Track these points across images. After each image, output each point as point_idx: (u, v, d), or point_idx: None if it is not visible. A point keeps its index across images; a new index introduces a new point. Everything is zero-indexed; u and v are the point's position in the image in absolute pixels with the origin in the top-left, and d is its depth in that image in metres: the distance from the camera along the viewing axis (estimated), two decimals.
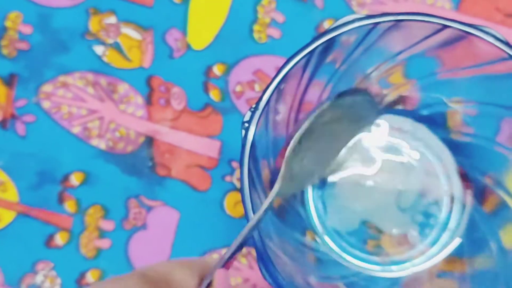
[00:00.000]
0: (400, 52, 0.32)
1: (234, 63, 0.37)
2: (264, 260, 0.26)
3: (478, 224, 0.33)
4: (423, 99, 0.35)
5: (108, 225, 0.35)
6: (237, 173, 0.36)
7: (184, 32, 0.37)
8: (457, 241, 0.33)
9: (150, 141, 0.36)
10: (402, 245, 0.34)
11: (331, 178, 0.35)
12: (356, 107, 0.32)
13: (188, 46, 0.37)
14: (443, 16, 0.28)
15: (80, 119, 0.36)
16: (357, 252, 0.34)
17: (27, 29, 0.37)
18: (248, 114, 0.27)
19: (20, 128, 0.36)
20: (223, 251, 0.35)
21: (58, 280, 0.35)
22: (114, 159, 0.36)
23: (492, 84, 0.31)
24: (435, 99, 0.34)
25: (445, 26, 0.28)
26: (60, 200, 0.36)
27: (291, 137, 0.30)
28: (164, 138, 0.36)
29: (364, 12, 0.37)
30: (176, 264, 0.24)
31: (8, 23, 0.37)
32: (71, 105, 0.36)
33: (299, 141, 0.29)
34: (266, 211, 0.27)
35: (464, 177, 0.34)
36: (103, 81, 0.37)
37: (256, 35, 0.37)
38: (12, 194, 0.36)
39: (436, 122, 0.35)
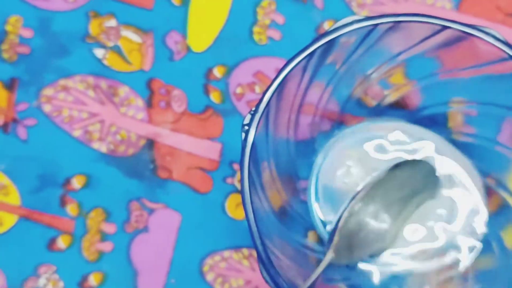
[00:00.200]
0: (400, 53, 0.32)
1: (235, 65, 0.37)
2: (264, 263, 0.26)
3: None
4: (424, 100, 0.35)
5: (110, 228, 0.36)
6: (238, 175, 0.36)
7: (184, 34, 0.37)
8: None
9: (151, 143, 0.36)
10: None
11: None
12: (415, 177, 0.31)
13: (188, 49, 0.37)
14: (443, 16, 0.28)
15: (81, 123, 0.36)
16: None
17: (27, 33, 0.37)
18: (248, 116, 0.27)
19: (21, 132, 0.36)
20: (225, 253, 0.35)
21: (61, 283, 0.35)
22: (115, 162, 0.36)
23: (493, 84, 0.30)
24: (436, 100, 0.34)
25: (445, 27, 0.28)
26: (62, 203, 0.36)
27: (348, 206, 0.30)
28: (165, 141, 0.36)
29: (364, 13, 0.37)
30: None
31: (8, 27, 0.37)
32: (72, 108, 0.37)
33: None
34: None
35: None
36: (103, 84, 0.37)
37: (256, 37, 0.37)
38: (14, 197, 0.36)
39: (437, 122, 0.35)
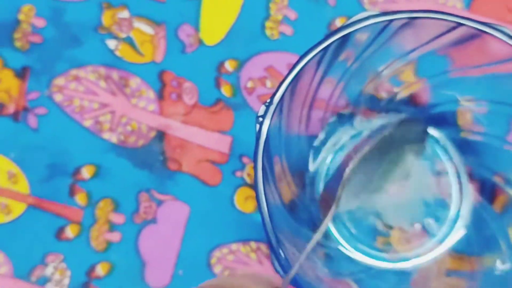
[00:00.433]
0: (412, 51, 0.32)
1: (246, 59, 0.37)
2: (276, 253, 0.26)
3: (487, 223, 0.33)
4: (434, 98, 0.35)
5: (118, 219, 0.36)
6: (247, 169, 0.36)
7: (196, 27, 0.37)
8: (461, 233, 0.34)
9: (161, 135, 0.36)
10: (410, 243, 0.34)
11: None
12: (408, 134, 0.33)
13: (201, 42, 0.37)
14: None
15: (92, 113, 0.37)
16: (366, 249, 0.34)
17: (40, 22, 0.37)
18: (263, 108, 0.27)
19: (32, 120, 0.36)
20: (233, 246, 0.35)
21: (68, 272, 0.35)
22: (125, 153, 0.36)
23: (504, 83, 0.31)
24: (445, 98, 0.34)
25: (459, 24, 0.28)
26: (71, 193, 0.36)
27: (347, 160, 0.31)
28: (176, 133, 0.36)
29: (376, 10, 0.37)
30: (251, 278, 0.25)
31: (21, 16, 0.37)
32: (83, 98, 0.37)
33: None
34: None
35: (472, 175, 0.34)
36: (115, 75, 0.37)
37: (268, 32, 0.37)
38: (23, 186, 0.36)
39: (446, 120, 0.35)
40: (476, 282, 0.33)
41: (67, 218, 0.36)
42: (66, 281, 0.35)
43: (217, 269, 0.35)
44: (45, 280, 0.35)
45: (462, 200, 0.34)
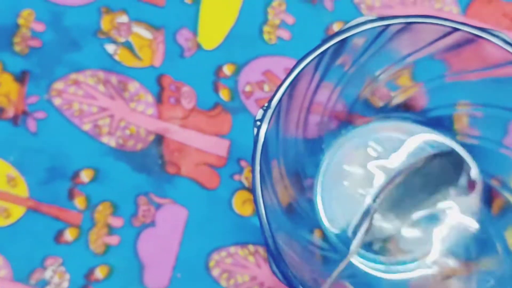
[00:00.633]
0: (408, 55, 0.32)
1: (244, 63, 0.37)
2: (274, 256, 0.27)
3: (484, 226, 0.33)
4: (430, 102, 0.35)
5: (117, 222, 0.36)
6: (245, 172, 0.36)
7: (195, 32, 0.37)
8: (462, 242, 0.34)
9: (160, 139, 0.36)
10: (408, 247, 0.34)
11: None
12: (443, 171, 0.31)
13: (199, 46, 0.37)
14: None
15: (91, 117, 0.37)
16: (364, 252, 0.34)
17: (39, 27, 0.37)
18: (260, 112, 0.28)
19: (31, 124, 0.37)
20: (231, 249, 0.36)
21: (67, 276, 0.35)
22: (124, 157, 0.36)
23: (500, 87, 0.31)
24: (442, 102, 0.35)
25: (455, 29, 0.28)
26: (70, 196, 0.36)
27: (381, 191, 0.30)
28: (174, 137, 0.36)
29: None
30: None
31: (20, 21, 0.37)
32: (82, 102, 0.37)
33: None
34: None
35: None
36: (114, 79, 0.37)
37: (266, 36, 0.37)
38: (22, 189, 0.36)
39: (443, 124, 0.35)
40: (473, 285, 0.33)
41: (66, 221, 0.36)
42: (65, 284, 0.35)
43: (215, 272, 0.35)
44: (44, 283, 0.35)
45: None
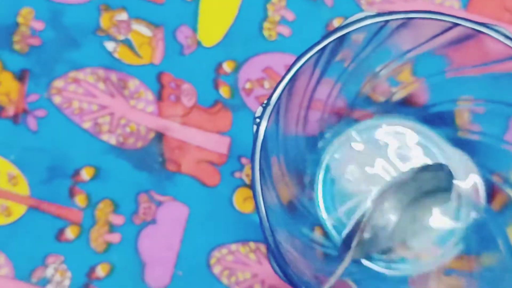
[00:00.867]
0: (409, 51, 0.32)
1: (244, 60, 0.37)
2: (274, 254, 0.27)
3: (486, 222, 0.33)
4: (432, 98, 0.35)
5: (118, 220, 0.36)
6: (246, 169, 0.36)
7: (194, 29, 0.37)
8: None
9: (160, 136, 0.36)
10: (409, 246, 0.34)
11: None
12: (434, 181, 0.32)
13: (199, 43, 0.37)
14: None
15: (91, 115, 0.37)
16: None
17: (39, 25, 0.37)
18: (260, 109, 0.28)
19: (31, 122, 0.37)
20: (233, 246, 0.36)
21: (68, 274, 0.35)
22: (124, 155, 0.36)
23: (501, 82, 0.31)
24: (443, 98, 0.34)
25: (456, 24, 0.28)
26: (71, 194, 0.36)
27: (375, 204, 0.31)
28: (174, 134, 0.36)
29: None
30: None
31: (20, 19, 0.37)
32: (82, 100, 0.37)
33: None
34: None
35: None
36: (114, 77, 0.37)
37: (266, 33, 0.37)
38: (23, 188, 0.36)
39: (444, 120, 0.35)
40: (475, 281, 0.33)
41: (67, 219, 0.36)
42: (67, 282, 0.35)
43: (216, 269, 0.35)
44: (45, 281, 0.35)
45: (461, 201, 0.34)
